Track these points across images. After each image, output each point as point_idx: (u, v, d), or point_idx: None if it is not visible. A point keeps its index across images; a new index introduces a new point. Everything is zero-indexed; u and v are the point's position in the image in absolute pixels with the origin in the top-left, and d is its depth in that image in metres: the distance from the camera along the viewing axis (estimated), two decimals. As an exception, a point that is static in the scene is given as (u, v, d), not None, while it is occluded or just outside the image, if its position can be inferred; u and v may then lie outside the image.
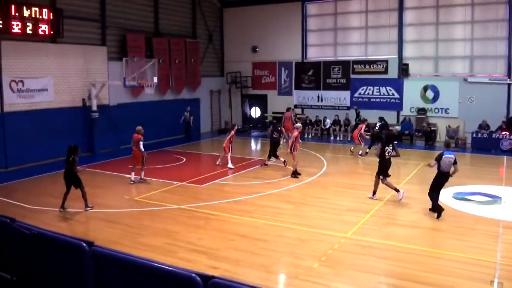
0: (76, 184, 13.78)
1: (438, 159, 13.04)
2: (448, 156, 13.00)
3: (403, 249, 10.53)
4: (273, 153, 19.88)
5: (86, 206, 13.87)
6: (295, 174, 17.95)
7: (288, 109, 27.06)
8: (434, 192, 13.21)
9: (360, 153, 22.54)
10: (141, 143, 17.10)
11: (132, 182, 17.18)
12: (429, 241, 11.16)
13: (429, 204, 13.64)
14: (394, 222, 12.59)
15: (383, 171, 14.80)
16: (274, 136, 20.12)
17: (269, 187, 16.41)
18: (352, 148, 23.15)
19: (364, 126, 22.63)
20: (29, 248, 8.11)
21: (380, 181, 14.78)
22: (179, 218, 13.15)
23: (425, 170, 19.01)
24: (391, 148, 14.94)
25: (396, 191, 14.67)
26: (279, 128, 20.88)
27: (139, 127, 17.56)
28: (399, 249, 10.56)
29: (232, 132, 20.00)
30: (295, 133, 18.21)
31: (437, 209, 12.96)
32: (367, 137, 22.90)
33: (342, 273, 9.34)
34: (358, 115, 27.29)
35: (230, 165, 19.50)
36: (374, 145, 21.31)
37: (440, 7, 26.44)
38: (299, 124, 19.50)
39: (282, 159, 19.62)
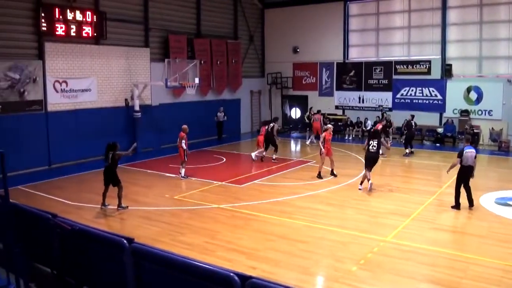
0: (115, 182, 13.95)
1: (460, 154, 13.57)
2: (469, 151, 13.60)
3: (443, 255, 10.26)
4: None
5: (119, 205, 14.01)
6: (319, 175, 17.96)
7: (318, 112, 26.84)
8: (460, 187, 13.79)
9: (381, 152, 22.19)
10: (183, 141, 17.59)
11: (182, 178, 17.91)
12: (471, 247, 10.81)
13: (473, 209, 13.35)
14: (435, 227, 12.26)
15: (365, 163, 16.30)
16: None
17: (309, 189, 16.30)
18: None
19: (380, 126, 22.17)
20: (70, 243, 8.24)
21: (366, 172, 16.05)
22: (218, 218, 13.19)
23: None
24: (376, 143, 15.99)
25: (360, 184, 16.13)
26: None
27: (185, 126, 18.14)
28: (440, 254, 10.30)
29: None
30: (323, 134, 18.13)
31: (457, 203, 13.74)
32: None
33: (381, 277, 9.18)
34: (383, 115, 27.26)
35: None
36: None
37: (484, 6, 25.68)
38: (329, 125, 19.52)
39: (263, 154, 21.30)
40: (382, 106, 29.11)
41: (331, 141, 18.55)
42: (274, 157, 21.16)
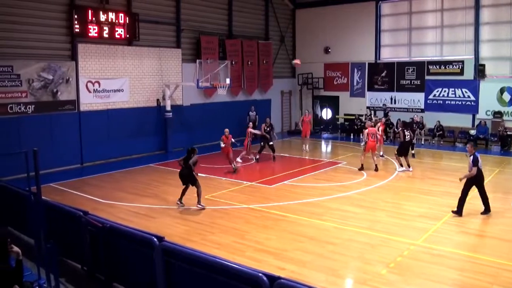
0: (193, 181, 14.10)
1: (477, 162, 13.08)
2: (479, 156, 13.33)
3: (474, 259, 10.03)
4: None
5: (199, 204, 14.11)
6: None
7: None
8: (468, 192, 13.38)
9: (381, 153, 22.50)
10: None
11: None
12: (502, 252, 10.49)
13: (502, 212, 13.07)
14: (467, 231, 12.00)
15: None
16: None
17: (340, 190, 16.18)
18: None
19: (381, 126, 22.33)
20: (100, 240, 8.33)
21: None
22: (248, 218, 13.19)
23: (501, 177, 18.35)
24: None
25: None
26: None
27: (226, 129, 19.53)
28: (471, 259, 10.07)
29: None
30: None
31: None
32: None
33: (411, 281, 9.02)
34: (386, 115, 27.45)
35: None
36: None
37: (517, 4, 25.19)
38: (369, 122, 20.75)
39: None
40: (385, 105, 29.28)
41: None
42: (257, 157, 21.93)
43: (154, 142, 23.80)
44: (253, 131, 21.28)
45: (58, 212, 9.62)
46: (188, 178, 14.10)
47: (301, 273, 9.29)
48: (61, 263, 8.78)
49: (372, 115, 27.74)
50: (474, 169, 13.00)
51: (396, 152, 19.51)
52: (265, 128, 21.72)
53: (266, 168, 20.50)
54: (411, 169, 19.15)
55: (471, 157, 13.17)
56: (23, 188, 9.98)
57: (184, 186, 14.29)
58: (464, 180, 13.30)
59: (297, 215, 13.34)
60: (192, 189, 14.14)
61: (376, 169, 19.13)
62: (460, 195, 13.16)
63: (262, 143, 21.79)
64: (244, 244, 11.11)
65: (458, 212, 13.14)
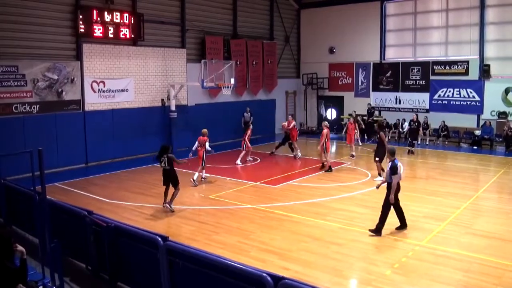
0: (174, 182, 13.89)
1: (396, 170, 11.60)
2: (400, 164, 12.03)
3: (478, 261, 9.98)
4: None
5: (170, 204, 13.86)
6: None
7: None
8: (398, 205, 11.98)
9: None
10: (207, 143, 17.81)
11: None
12: (507, 253, 10.45)
13: (507, 213, 13.05)
14: (471, 232, 11.93)
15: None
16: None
17: (344, 190, 16.14)
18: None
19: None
20: (105, 240, 8.34)
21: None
22: (252, 218, 13.18)
23: (506, 178, 18.28)
24: None
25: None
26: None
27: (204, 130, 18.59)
28: (475, 260, 10.02)
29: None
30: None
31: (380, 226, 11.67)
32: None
33: (415, 282, 8.99)
34: (372, 114, 28.35)
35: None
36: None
37: (523, 4, 25.09)
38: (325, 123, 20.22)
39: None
40: (370, 104, 30.09)
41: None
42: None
43: (158, 142, 23.56)
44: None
45: (62, 212, 9.64)
46: (170, 177, 13.93)
47: (306, 273, 9.28)
48: (66, 263, 8.79)
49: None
50: (395, 179, 11.60)
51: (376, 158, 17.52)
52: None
53: (271, 168, 20.47)
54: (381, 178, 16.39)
55: (389, 163, 11.72)
56: (28, 188, 10.00)
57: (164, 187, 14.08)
58: (381, 189, 12.46)
59: (301, 215, 13.32)
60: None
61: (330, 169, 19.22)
62: (381, 211, 11.71)
63: (282, 141, 22.05)
64: (249, 244, 11.10)
65: (402, 226, 11.95)
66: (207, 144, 17.56)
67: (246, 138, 21.00)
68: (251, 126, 22.14)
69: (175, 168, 13.99)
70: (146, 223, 12.32)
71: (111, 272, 8.50)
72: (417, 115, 23.74)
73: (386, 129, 28.61)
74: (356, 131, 22.80)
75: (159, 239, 7.25)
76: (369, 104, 30.09)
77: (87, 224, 8.71)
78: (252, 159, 21.67)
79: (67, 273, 8.40)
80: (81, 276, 8.98)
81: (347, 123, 23.44)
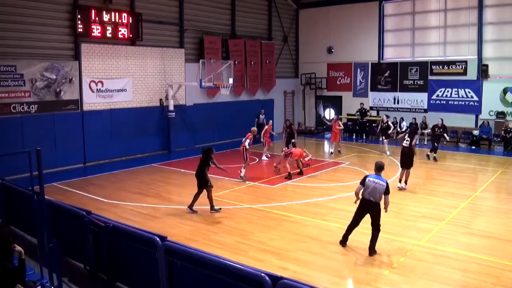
0: (205, 185, 13.71)
1: (363, 182, 10.56)
2: (377, 181, 10.40)
3: (477, 260, 10.00)
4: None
5: (191, 207, 13.79)
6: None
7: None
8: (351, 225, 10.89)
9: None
10: (248, 140, 18.28)
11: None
12: (506, 253, 10.48)
13: (506, 213, 13.06)
14: (470, 232, 11.94)
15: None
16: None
17: (343, 190, 16.14)
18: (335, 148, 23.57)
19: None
20: (103, 240, 8.34)
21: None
22: (251, 218, 13.19)
23: (504, 177, 18.31)
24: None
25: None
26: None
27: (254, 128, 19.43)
28: (474, 260, 10.04)
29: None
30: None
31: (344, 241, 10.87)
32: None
33: (414, 282, 9.00)
34: (365, 114, 28.79)
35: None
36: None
37: (521, 4, 25.12)
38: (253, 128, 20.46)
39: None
40: (362, 104, 30.18)
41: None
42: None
43: (157, 142, 23.82)
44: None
45: (61, 212, 9.63)
46: (200, 179, 13.79)
47: (304, 273, 9.28)
48: (64, 263, 8.79)
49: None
50: (357, 187, 10.79)
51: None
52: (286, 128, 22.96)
53: (269, 168, 20.46)
54: None
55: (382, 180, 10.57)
56: (26, 188, 10.00)
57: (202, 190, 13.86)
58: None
59: (300, 215, 13.33)
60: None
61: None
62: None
63: (287, 141, 22.03)
64: (247, 244, 11.11)
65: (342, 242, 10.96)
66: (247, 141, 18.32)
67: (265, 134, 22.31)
68: (270, 122, 23.26)
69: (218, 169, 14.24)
70: (144, 223, 12.30)
71: (109, 272, 8.49)
72: (442, 120, 22.55)
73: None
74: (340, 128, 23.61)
75: (158, 239, 7.25)
76: (362, 103, 30.08)
77: (85, 224, 8.70)
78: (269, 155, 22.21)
79: (65, 273, 8.40)
80: (79, 276, 8.98)
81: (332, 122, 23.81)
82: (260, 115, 27.67)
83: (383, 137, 23.79)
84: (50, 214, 8.99)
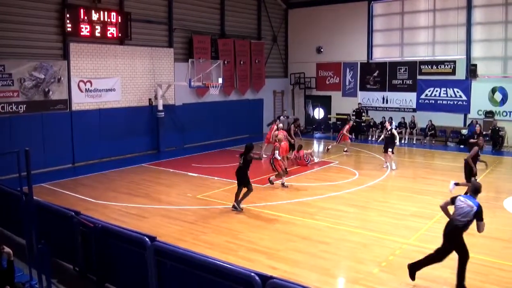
0: (245, 182, 13.74)
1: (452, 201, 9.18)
2: (465, 202, 8.88)
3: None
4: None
5: (238, 204, 13.77)
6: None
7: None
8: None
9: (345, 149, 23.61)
10: (276, 151, 16.62)
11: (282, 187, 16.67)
12: (494, 251, 10.60)
13: (494, 211, 13.18)
14: (459, 230, 12.09)
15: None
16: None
17: (332, 190, 16.20)
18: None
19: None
20: (92, 241, 8.31)
21: None
22: (240, 218, 13.19)
23: (492, 176, 18.44)
24: None
25: None
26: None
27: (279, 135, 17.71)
28: (462, 258, 10.11)
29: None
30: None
31: None
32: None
33: (403, 280, 9.03)
34: (361, 114, 28.89)
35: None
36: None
37: (509, 5, 25.18)
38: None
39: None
40: (361, 104, 30.40)
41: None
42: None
43: (146, 142, 23.75)
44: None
45: (50, 213, 9.59)
46: (241, 177, 13.79)
47: (294, 273, 9.29)
48: (53, 264, 8.73)
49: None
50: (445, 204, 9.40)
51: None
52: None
53: (258, 167, 20.47)
54: None
55: (475, 202, 8.82)
56: (15, 188, 9.95)
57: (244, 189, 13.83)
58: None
59: (289, 214, 13.35)
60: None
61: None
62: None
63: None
64: (237, 244, 11.11)
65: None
66: (276, 152, 16.62)
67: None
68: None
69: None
70: (133, 223, 12.26)
71: (98, 273, 8.47)
72: (480, 126, 21.61)
73: (374, 128, 28.84)
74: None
75: (147, 239, 7.23)
76: (360, 103, 30.21)
77: (74, 225, 8.67)
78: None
79: (54, 274, 8.35)
80: (68, 277, 8.94)
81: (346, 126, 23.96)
82: (282, 117, 27.31)
83: (388, 149, 19.79)
84: (39, 215, 8.95)
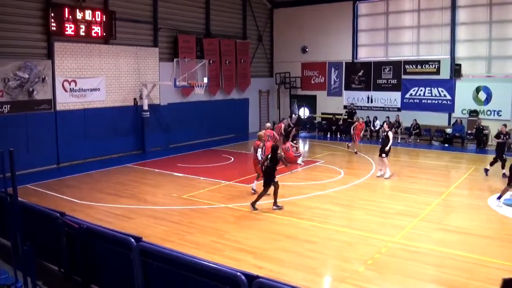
0: (272, 181, 13.73)
1: None
2: None
3: (451, 256, 10.18)
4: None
5: (275, 204, 13.82)
6: None
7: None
8: None
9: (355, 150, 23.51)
10: (259, 150, 15.51)
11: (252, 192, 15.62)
12: (478, 248, 10.71)
13: (478, 209, 13.31)
14: (443, 228, 12.15)
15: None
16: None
17: (317, 189, 16.26)
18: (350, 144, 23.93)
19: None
20: (78, 242, 8.26)
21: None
22: (226, 217, 13.19)
23: (476, 174, 18.61)
24: None
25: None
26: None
27: (260, 133, 16.41)
28: (448, 255, 10.22)
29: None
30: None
31: None
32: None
33: (388, 278, 9.14)
34: (353, 113, 28.75)
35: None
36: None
37: (493, 5, 25.52)
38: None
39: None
40: (353, 104, 30.45)
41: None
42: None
43: (131, 142, 23.64)
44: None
45: (34, 214, 9.51)
46: (268, 177, 13.75)
47: (280, 272, 9.32)
48: (38, 266, 8.68)
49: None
50: None
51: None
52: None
53: (244, 167, 20.48)
54: None
55: None
56: (-1, 189, 9.85)
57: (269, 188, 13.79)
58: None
59: (275, 214, 13.38)
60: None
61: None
62: None
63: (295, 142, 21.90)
64: (223, 243, 11.11)
65: None
66: (259, 151, 15.40)
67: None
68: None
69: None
70: (119, 224, 12.22)
71: (84, 274, 8.42)
72: (505, 125, 19.75)
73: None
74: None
75: (132, 240, 7.20)
76: (352, 104, 30.25)
77: (59, 226, 8.61)
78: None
79: (39, 276, 8.29)
80: (54, 279, 8.88)
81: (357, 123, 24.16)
82: (294, 115, 27.57)
83: (382, 154, 18.14)
84: (24, 216, 8.87)
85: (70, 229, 8.44)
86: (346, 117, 29.73)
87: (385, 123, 21.81)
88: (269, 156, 13.81)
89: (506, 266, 9.61)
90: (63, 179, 18.10)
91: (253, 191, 15.47)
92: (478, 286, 8.75)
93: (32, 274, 7.57)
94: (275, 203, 13.83)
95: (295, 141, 21.58)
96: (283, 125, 21.30)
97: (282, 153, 13.91)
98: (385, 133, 18.41)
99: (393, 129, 25.02)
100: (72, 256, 8.52)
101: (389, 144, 17.94)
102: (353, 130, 23.58)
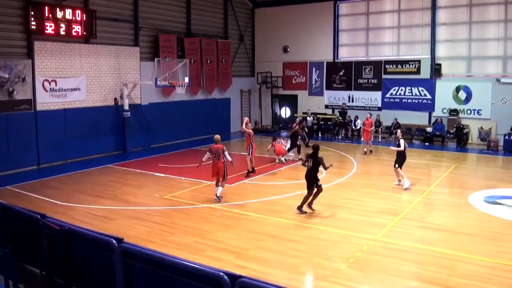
0: (311, 184, 13.40)
1: None
2: None
3: (432, 253, 10.31)
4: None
5: (310, 206, 13.50)
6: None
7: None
8: None
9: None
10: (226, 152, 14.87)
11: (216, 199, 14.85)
12: (459, 245, 10.87)
13: (459, 207, 13.47)
14: (424, 225, 12.32)
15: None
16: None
17: (299, 188, 16.25)
18: (367, 147, 23.64)
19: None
20: (59, 244, 8.20)
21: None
22: (208, 217, 13.18)
23: (457, 172, 18.84)
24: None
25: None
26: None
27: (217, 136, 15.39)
28: (429, 252, 10.36)
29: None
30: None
31: None
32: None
33: (370, 276, 9.23)
34: (345, 113, 28.92)
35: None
36: None
37: (473, 6, 25.86)
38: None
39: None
40: (345, 104, 30.14)
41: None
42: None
43: (112, 142, 23.49)
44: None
45: (14, 216, 9.41)
46: (311, 179, 13.41)
47: (263, 271, 9.36)
48: (20, 269, 8.60)
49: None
50: None
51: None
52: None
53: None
54: None
55: None
56: (-22, 191, 9.76)
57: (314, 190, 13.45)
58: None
59: (257, 213, 13.42)
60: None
61: (253, 171, 18.70)
62: None
63: (298, 143, 21.94)
64: (205, 243, 11.11)
65: None
66: (226, 153, 14.86)
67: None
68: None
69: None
70: (101, 225, 12.15)
71: (65, 277, 8.36)
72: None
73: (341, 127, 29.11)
74: (372, 128, 24.17)
75: (114, 241, 7.16)
76: (344, 103, 30.15)
77: (40, 228, 8.53)
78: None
79: (21, 279, 8.22)
80: (35, 281, 8.80)
81: (364, 120, 24.11)
82: (308, 117, 28.33)
83: (396, 164, 16.81)
84: (4, 218, 8.80)
85: (51, 231, 8.37)
86: (339, 117, 29.69)
87: (399, 130, 20.00)
88: (309, 157, 13.53)
89: (487, 262, 9.78)
90: (44, 180, 17.92)
91: (216, 199, 14.66)
92: (459, 282, 8.87)
93: (13, 277, 7.52)
94: (300, 207, 13.41)
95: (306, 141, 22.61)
96: (297, 127, 21.93)
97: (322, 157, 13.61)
98: (398, 141, 17.13)
99: (373, 128, 25.14)
100: (54, 258, 8.46)
101: (401, 149, 16.66)
102: (362, 129, 23.80)
